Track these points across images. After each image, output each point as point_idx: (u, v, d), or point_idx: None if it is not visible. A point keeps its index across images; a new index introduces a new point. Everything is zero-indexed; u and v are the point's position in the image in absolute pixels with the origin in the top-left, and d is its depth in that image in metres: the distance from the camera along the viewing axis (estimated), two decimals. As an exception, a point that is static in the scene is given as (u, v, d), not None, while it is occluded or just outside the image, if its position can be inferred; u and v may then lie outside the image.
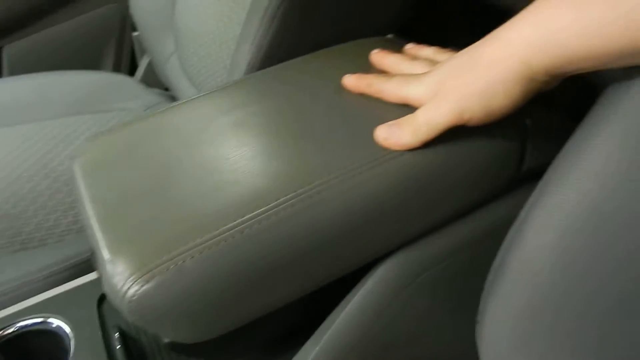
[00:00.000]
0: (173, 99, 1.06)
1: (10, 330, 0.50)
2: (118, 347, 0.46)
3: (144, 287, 0.32)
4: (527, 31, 0.34)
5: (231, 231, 0.34)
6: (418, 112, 0.38)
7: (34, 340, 0.51)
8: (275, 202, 0.35)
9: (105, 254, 0.35)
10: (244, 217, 0.34)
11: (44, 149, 0.83)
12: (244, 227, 0.34)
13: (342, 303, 0.42)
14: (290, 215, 0.35)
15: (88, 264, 0.60)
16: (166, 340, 0.38)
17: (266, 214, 0.35)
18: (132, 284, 0.32)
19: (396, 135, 0.38)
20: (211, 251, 0.33)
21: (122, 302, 0.33)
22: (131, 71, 1.25)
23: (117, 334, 0.47)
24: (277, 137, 0.41)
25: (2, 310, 0.52)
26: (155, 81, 1.15)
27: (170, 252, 0.33)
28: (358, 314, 0.41)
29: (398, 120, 0.39)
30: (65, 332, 0.50)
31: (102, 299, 0.53)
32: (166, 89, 1.14)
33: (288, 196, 0.35)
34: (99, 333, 0.49)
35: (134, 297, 0.32)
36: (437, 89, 0.38)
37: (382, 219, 0.38)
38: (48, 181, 0.76)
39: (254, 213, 0.35)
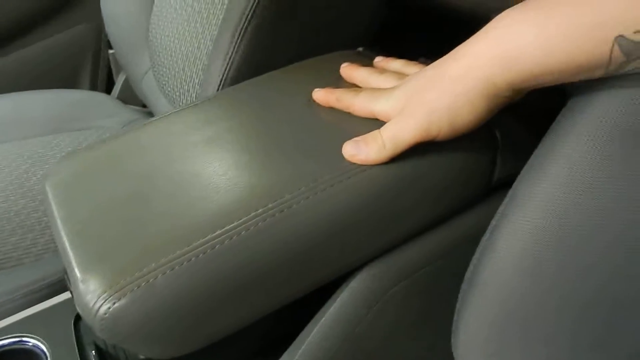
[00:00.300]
0: (150, 115, 1.06)
1: (-16, 352, 0.50)
2: (94, 365, 0.46)
3: (116, 305, 0.33)
4: (491, 47, 0.35)
5: (203, 246, 0.34)
6: (384, 128, 0.39)
7: (10, 360, 0.51)
8: (246, 217, 0.36)
9: (77, 272, 0.35)
10: (215, 233, 0.35)
11: (21, 169, 0.82)
12: (215, 243, 0.35)
13: (317, 316, 0.43)
14: (261, 229, 0.35)
15: (63, 283, 0.59)
16: (142, 356, 0.38)
17: (237, 228, 0.35)
18: (104, 302, 0.33)
19: (363, 151, 0.39)
20: (183, 267, 0.34)
21: (95, 320, 0.33)
22: (108, 89, 1.25)
23: (93, 352, 0.47)
24: (248, 153, 0.42)
25: (-23, 331, 0.52)
26: (132, 98, 1.15)
27: (141, 269, 0.34)
28: (333, 326, 0.42)
29: (365, 136, 0.40)
30: (42, 350, 0.50)
31: (79, 317, 0.53)
32: (144, 106, 1.14)
33: (258, 211, 0.36)
34: (76, 351, 0.49)
35: (106, 315, 0.32)
36: (403, 104, 0.39)
37: (352, 232, 0.39)
38: (25, 200, 0.76)
39: (225, 228, 0.35)
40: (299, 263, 0.37)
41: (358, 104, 0.43)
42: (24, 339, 0.50)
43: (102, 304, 0.33)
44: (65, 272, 0.40)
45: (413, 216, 0.42)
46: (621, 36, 0.30)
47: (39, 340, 0.50)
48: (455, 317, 0.42)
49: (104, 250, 0.36)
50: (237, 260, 0.35)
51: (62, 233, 0.38)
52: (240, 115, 0.46)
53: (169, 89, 0.88)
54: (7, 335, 0.51)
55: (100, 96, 1.09)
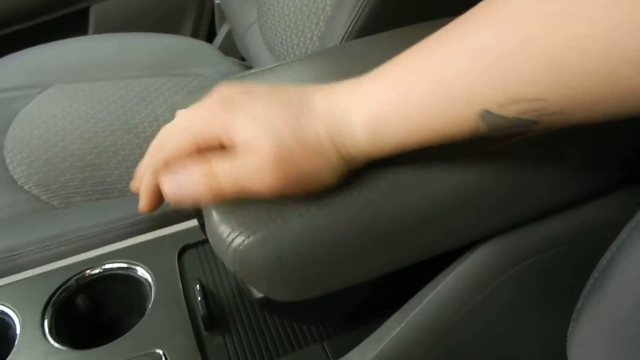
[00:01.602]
0: (249, 69, 1.06)
1: (96, 271, 0.52)
2: (199, 299, 0.47)
3: (250, 239, 0.32)
4: (355, 122, 0.31)
5: (339, 194, 0.33)
6: (232, 170, 0.32)
7: (116, 284, 0.53)
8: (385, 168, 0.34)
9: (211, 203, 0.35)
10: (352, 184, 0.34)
11: (126, 106, 0.85)
12: (352, 191, 0.34)
13: (432, 282, 0.41)
14: (406, 184, 0.34)
15: (168, 218, 0.61)
16: (256, 296, 0.38)
17: (377, 180, 0.34)
18: (239, 234, 0.32)
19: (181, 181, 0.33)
20: (319, 210, 0.33)
21: (227, 252, 0.33)
22: (209, 38, 1.27)
23: (197, 286, 0.48)
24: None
25: (88, 252, 0.54)
26: (232, 50, 1.15)
27: (278, 207, 0.33)
28: (450, 295, 0.41)
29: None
30: (146, 279, 0.51)
31: (183, 251, 0.54)
32: (242, 59, 1.15)
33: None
34: (179, 284, 0.50)
35: (240, 248, 0.32)
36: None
37: (486, 200, 0.37)
38: (129, 136, 0.78)
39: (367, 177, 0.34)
40: (430, 225, 0.36)
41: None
42: (133, 266, 0.52)
43: (236, 236, 0.32)
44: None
45: (551, 192, 0.39)
46: (486, 111, 0.27)
47: (145, 269, 0.52)
48: (574, 316, 0.39)
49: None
50: (375, 211, 0.34)
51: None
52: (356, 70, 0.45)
53: (276, 43, 0.88)
54: (115, 259, 0.53)
55: (201, 44, 1.11)
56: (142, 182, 0.36)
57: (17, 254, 0.55)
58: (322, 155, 0.31)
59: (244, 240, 0.32)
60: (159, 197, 0.35)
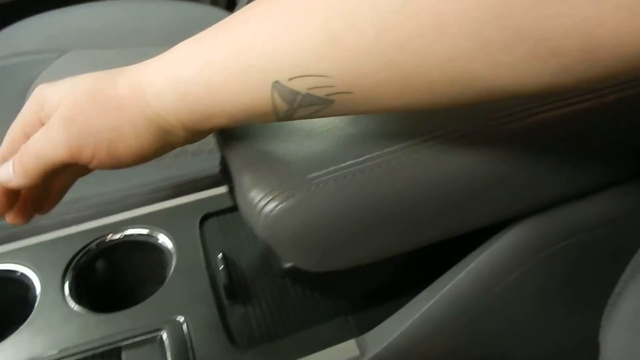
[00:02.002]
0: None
1: (117, 236, 0.51)
2: (221, 267, 0.46)
3: (283, 204, 0.31)
4: (159, 80, 0.30)
5: (378, 159, 0.32)
6: (29, 142, 0.32)
7: (136, 250, 0.52)
8: (429, 134, 0.33)
9: (242, 165, 0.33)
10: (393, 147, 0.32)
11: (145, 72, 0.83)
12: (391, 158, 0.32)
13: (465, 260, 0.40)
14: (443, 150, 0.33)
15: (188, 184, 0.60)
16: (284, 265, 0.37)
17: (417, 146, 0.32)
18: (271, 199, 0.31)
19: (3, 173, 0.33)
20: (355, 177, 0.32)
21: (258, 217, 0.31)
22: (229, 6, 1.25)
23: (220, 255, 0.47)
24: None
25: (109, 217, 0.53)
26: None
27: (311, 172, 0.32)
28: (481, 275, 0.39)
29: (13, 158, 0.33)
30: (167, 247, 0.51)
31: (204, 219, 0.53)
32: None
33: (444, 130, 0.33)
34: (201, 252, 0.49)
35: (272, 213, 0.31)
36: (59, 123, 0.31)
37: (527, 174, 0.35)
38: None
39: (404, 144, 0.33)
40: (475, 195, 0.34)
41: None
42: (154, 233, 0.51)
43: (268, 202, 0.31)
44: (223, 164, 0.39)
45: (590, 173, 0.37)
46: (277, 82, 0.27)
47: (166, 236, 0.51)
48: (610, 301, 0.38)
49: (270, 148, 0.34)
50: (411, 180, 0.32)
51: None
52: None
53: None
54: (137, 225, 0.52)
55: (220, 13, 1.09)
56: None
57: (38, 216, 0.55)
58: (122, 112, 0.30)
59: (276, 206, 0.31)
60: None
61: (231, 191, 0.37)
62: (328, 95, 0.27)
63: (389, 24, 0.24)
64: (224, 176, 0.39)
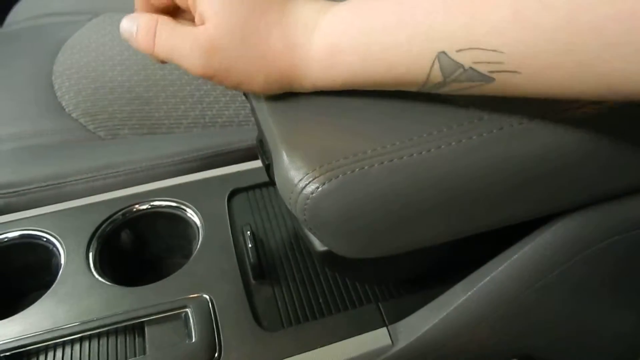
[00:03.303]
0: None
1: (143, 207, 0.50)
2: (250, 246, 0.45)
3: (325, 186, 0.29)
4: (315, 47, 0.31)
5: (427, 144, 0.30)
6: (170, 36, 0.33)
7: (163, 223, 0.51)
8: (480, 121, 0.31)
9: (281, 143, 0.31)
10: (443, 132, 0.30)
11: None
12: (441, 143, 0.30)
13: (506, 253, 0.38)
14: (495, 139, 0.30)
15: (217, 158, 0.58)
16: (319, 249, 0.35)
17: (468, 132, 0.30)
18: (312, 180, 0.29)
19: (127, 27, 0.35)
20: (402, 161, 0.30)
21: (298, 199, 0.30)
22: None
23: (249, 232, 0.46)
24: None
25: (135, 187, 0.52)
26: None
27: (356, 153, 0.30)
28: (523, 268, 0.37)
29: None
30: (194, 221, 0.49)
31: (232, 195, 0.52)
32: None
33: (496, 121, 0.31)
34: (229, 229, 0.48)
35: (313, 195, 0.29)
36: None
37: (579, 168, 0.33)
38: (179, 72, 0.75)
39: (455, 129, 0.30)
40: (523, 187, 0.32)
41: None
42: (182, 206, 0.50)
43: (309, 183, 0.29)
44: (260, 139, 0.37)
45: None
46: (443, 53, 0.26)
47: (194, 211, 0.49)
48: None
49: (312, 125, 0.32)
50: (460, 167, 0.30)
51: (263, 96, 0.34)
52: None
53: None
54: (163, 197, 0.50)
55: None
56: None
57: (64, 182, 0.54)
58: (264, 62, 0.31)
59: (317, 187, 0.29)
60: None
61: (268, 169, 0.35)
62: (491, 72, 0.26)
63: (584, 5, 0.22)
64: (261, 152, 0.37)
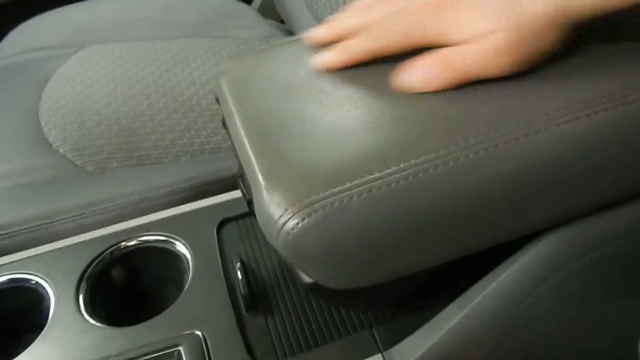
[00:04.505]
0: (289, 32, 1.02)
1: (132, 243, 0.49)
2: (240, 277, 0.44)
3: (305, 222, 0.29)
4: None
5: (404, 172, 0.30)
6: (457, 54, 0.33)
7: (153, 257, 0.50)
8: (456, 147, 0.30)
9: (260, 179, 0.31)
10: (419, 159, 0.30)
11: (162, 68, 0.82)
12: (418, 170, 0.30)
13: (496, 270, 0.38)
14: (472, 162, 0.30)
15: (206, 187, 0.58)
16: (305, 281, 0.35)
17: (444, 158, 0.30)
18: (292, 217, 0.29)
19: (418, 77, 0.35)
20: (381, 191, 0.29)
21: (279, 234, 0.29)
22: (247, -1, 1.22)
23: (238, 264, 0.45)
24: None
25: (124, 223, 0.51)
26: (271, 12, 1.11)
27: (335, 186, 0.30)
28: (513, 285, 0.37)
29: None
30: (184, 253, 0.49)
31: (222, 224, 0.52)
32: (281, 22, 1.11)
33: (470, 141, 0.31)
34: (219, 259, 0.48)
35: (293, 231, 0.29)
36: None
37: (562, 184, 0.33)
38: (165, 100, 0.75)
39: (431, 156, 0.30)
40: (498, 209, 0.32)
41: None
42: (170, 239, 0.49)
43: (289, 219, 0.29)
44: (241, 174, 0.37)
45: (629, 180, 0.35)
46: None
47: (183, 243, 0.49)
48: None
49: (289, 159, 0.32)
50: (438, 194, 0.30)
51: (242, 132, 0.34)
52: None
53: (319, 5, 0.83)
54: (152, 231, 0.50)
55: (240, 6, 1.07)
56: (342, 39, 0.38)
57: (53, 222, 0.53)
58: (547, 29, 0.32)
59: (297, 223, 0.29)
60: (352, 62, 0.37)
61: (249, 204, 0.35)
62: None
63: None
64: (242, 187, 0.37)
